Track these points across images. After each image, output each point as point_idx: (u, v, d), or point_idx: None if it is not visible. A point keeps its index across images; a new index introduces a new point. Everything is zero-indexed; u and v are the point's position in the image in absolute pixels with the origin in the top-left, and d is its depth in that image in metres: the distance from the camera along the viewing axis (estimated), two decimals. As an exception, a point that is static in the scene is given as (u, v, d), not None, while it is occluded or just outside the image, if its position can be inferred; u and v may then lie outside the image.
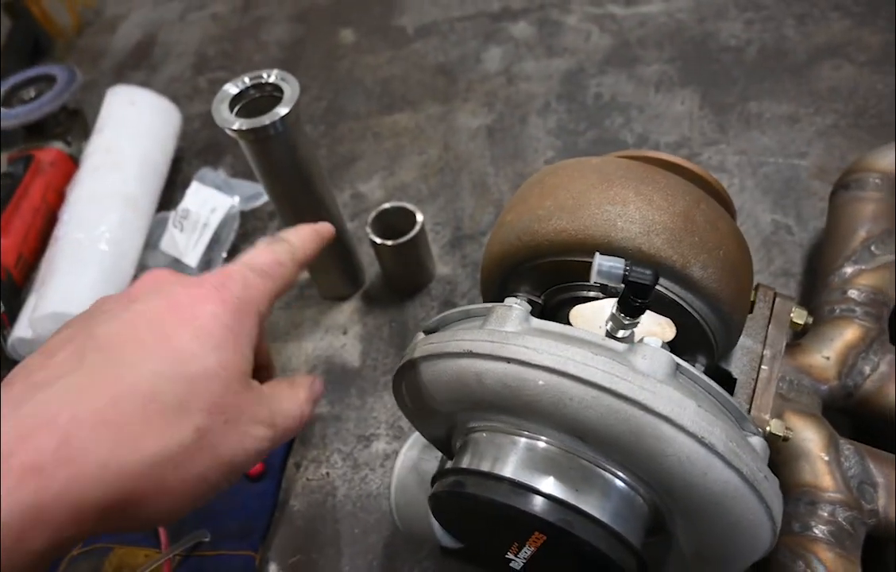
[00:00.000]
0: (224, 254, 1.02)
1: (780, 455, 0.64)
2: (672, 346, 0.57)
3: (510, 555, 0.52)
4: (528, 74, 1.17)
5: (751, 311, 0.66)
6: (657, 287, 0.53)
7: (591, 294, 0.57)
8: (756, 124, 1.02)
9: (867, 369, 0.66)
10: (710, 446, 0.42)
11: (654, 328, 0.53)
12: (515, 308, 0.48)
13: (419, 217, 0.87)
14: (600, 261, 0.46)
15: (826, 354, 0.67)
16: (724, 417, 0.46)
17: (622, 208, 0.53)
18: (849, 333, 0.68)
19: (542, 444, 0.47)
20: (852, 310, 0.70)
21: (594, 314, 0.53)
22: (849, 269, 0.73)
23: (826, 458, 0.62)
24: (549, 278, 0.58)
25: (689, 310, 0.54)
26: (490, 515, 0.49)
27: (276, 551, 0.77)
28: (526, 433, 0.48)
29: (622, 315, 0.50)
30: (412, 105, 1.18)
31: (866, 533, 0.61)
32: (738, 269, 0.55)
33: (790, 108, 1.02)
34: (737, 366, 0.63)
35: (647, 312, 0.53)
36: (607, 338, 0.47)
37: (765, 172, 0.96)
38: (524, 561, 0.52)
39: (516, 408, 0.46)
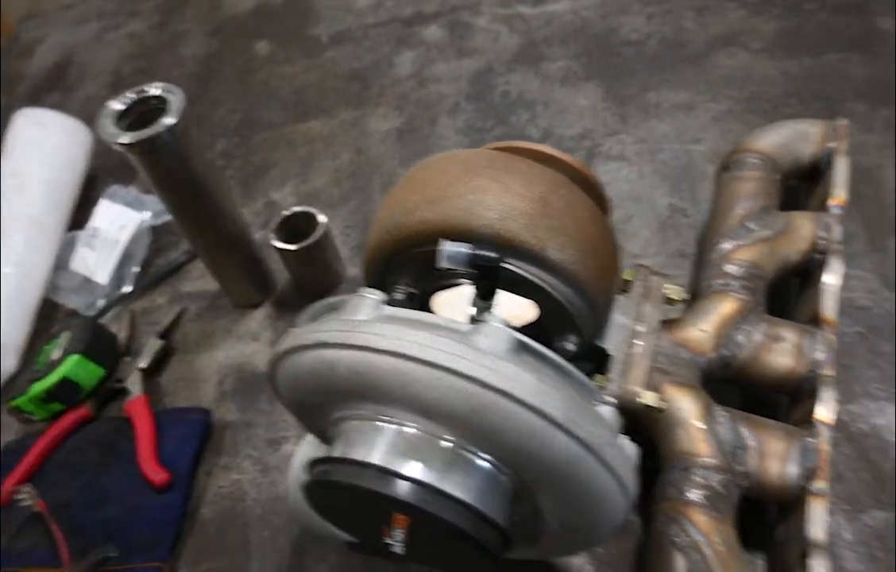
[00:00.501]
0: (136, 269, 1.02)
1: (659, 425, 0.66)
2: (540, 328, 0.60)
3: (388, 540, 0.53)
4: (438, 76, 1.19)
5: (626, 290, 0.69)
6: (517, 270, 0.55)
7: (461, 282, 0.59)
8: (655, 113, 1.05)
9: (742, 340, 0.69)
10: (548, 417, 0.43)
11: (516, 310, 0.55)
12: (368, 297, 0.50)
13: (321, 219, 0.88)
14: (444, 247, 0.48)
15: (703, 327, 0.70)
16: (570, 390, 0.48)
17: (481, 196, 0.55)
18: (725, 306, 0.71)
19: (409, 430, 0.48)
20: (729, 285, 0.73)
21: (455, 300, 0.54)
22: (727, 245, 0.76)
23: (701, 426, 0.64)
24: (422, 269, 0.60)
25: (550, 291, 0.56)
26: (358, 501, 0.50)
27: (185, 560, 0.77)
28: (393, 420, 0.49)
29: (478, 298, 0.52)
30: (326, 112, 1.19)
31: (741, 494, 0.64)
32: (599, 250, 0.57)
33: (687, 96, 1.06)
34: (611, 342, 0.65)
35: (509, 295, 0.55)
36: (454, 321, 0.48)
37: (662, 159, 0.99)
38: (401, 544, 0.53)
39: (370, 394, 0.47)
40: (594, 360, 0.65)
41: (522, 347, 0.47)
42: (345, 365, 0.47)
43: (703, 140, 1.00)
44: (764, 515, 0.69)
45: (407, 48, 1.28)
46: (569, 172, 0.66)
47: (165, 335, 0.97)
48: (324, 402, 0.52)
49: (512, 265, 0.54)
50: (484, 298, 0.51)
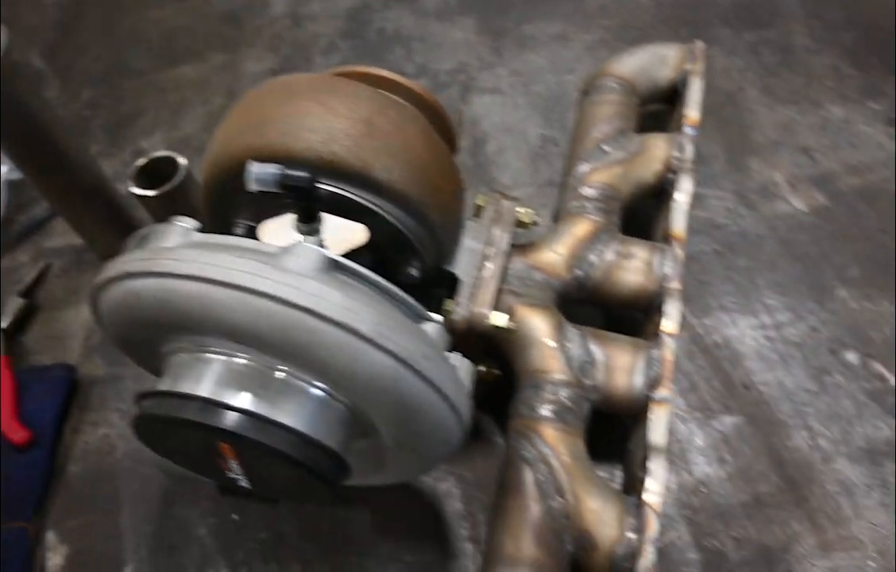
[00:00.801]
0: (-4, 225, 0.97)
1: (513, 346, 0.67)
2: (382, 254, 0.59)
3: (231, 474, 0.52)
4: (314, 15, 1.16)
5: (478, 215, 0.69)
6: (339, 192, 0.54)
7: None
8: (530, 45, 1.05)
9: (595, 260, 0.70)
10: (355, 331, 0.43)
11: (345, 233, 0.54)
12: (177, 225, 0.48)
13: (181, 162, 0.85)
14: (251, 169, 0.46)
15: (557, 250, 0.70)
16: (386, 307, 0.47)
17: (304, 119, 0.53)
18: (579, 228, 0.72)
19: (238, 361, 0.47)
20: (584, 207, 0.74)
21: (280, 227, 0.53)
22: (583, 168, 0.77)
23: (551, 344, 0.65)
24: (258, 201, 0.58)
25: (380, 212, 0.55)
26: (189, 436, 0.48)
27: (53, 519, 0.75)
28: (221, 352, 0.48)
29: (299, 222, 0.51)
30: (197, 56, 1.15)
31: (592, 408, 0.65)
32: (430, 171, 0.56)
33: (562, 27, 1.06)
34: (461, 267, 0.65)
35: (336, 218, 0.54)
36: (265, 245, 0.47)
37: (536, 90, 0.99)
38: (243, 476, 0.52)
39: (179, 323, 0.45)
40: (445, 285, 0.65)
41: (335, 267, 0.47)
42: (149, 293, 0.45)
43: (576, 70, 1.00)
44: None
45: (282, -14, 1.24)
46: (413, 98, 0.65)
47: (28, 293, 0.92)
48: (147, 337, 0.50)
49: (331, 186, 0.53)
50: (305, 222, 0.50)
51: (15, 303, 0.90)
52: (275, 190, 0.47)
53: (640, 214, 0.77)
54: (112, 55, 1.19)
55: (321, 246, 0.50)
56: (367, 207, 0.55)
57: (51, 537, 0.73)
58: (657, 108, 0.87)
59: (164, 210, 0.87)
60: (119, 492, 0.75)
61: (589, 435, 0.64)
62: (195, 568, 0.69)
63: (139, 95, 1.11)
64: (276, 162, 0.51)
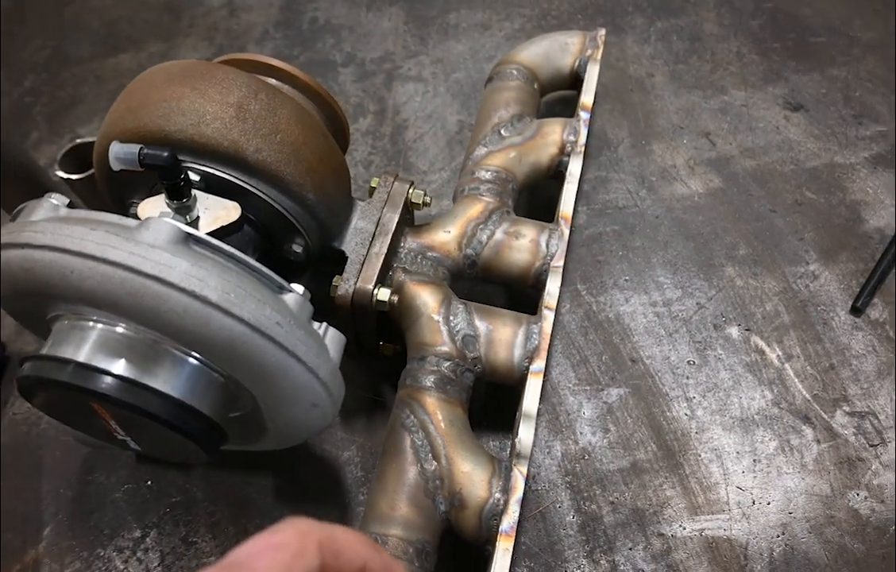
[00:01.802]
0: (-70, 212, 1.00)
1: (405, 321, 0.70)
2: (265, 233, 0.63)
3: (119, 437, 0.56)
4: (249, 5, 1.19)
5: (371, 196, 0.72)
6: (218, 174, 0.58)
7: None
8: (453, 34, 1.08)
9: (484, 238, 0.74)
10: (203, 298, 0.46)
11: (220, 211, 0.57)
12: (47, 201, 0.51)
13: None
14: (113, 148, 0.50)
15: (449, 229, 0.74)
16: (241, 278, 0.50)
17: (176, 103, 0.57)
18: (472, 209, 0.75)
19: (119, 330, 0.50)
20: (478, 189, 0.77)
21: (156, 204, 0.56)
22: (480, 152, 0.80)
23: (437, 318, 0.69)
24: (144, 182, 0.62)
25: (255, 192, 0.58)
26: (69, 399, 0.52)
27: (-23, 488, 0.79)
28: (100, 320, 0.51)
29: (168, 199, 0.54)
30: (136, 44, 1.17)
31: (475, 378, 0.69)
32: (302, 151, 0.60)
33: (484, 16, 1.09)
34: (350, 245, 0.69)
35: (207, 196, 0.57)
36: (126, 219, 0.50)
37: (456, 78, 1.02)
38: (129, 438, 0.56)
39: (43, 290, 0.49)
40: (336, 262, 0.69)
41: (191, 240, 0.50)
42: (15, 264, 0.48)
43: (495, 58, 1.03)
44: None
45: (220, -24, 1.26)
46: (298, 84, 0.68)
47: (-39, 276, 0.95)
48: (31, 306, 0.53)
49: (204, 166, 0.56)
50: (173, 199, 0.53)
51: (-51, 285, 0.93)
52: (136, 168, 0.51)
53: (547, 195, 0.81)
54: (55, 43, 1.22)
55: (191, 222, 0.54)
56: (240, 186, 0.58)
57: (-26, 506, 0.77)
58: (565, 95, 0.91)
59: (90, 194, 0.90)
60: (42, 461, 0.79)
61: (474, 403, 0.68)
62: (110, 530, 0.73)
63: (79, 83, 1.14)
64: (153, 144, 0.54)
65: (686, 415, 0.74)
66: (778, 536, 0.66)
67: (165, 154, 0.50)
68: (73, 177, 0.87)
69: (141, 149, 0.50)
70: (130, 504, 0.75)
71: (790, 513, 0.67)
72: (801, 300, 0.79)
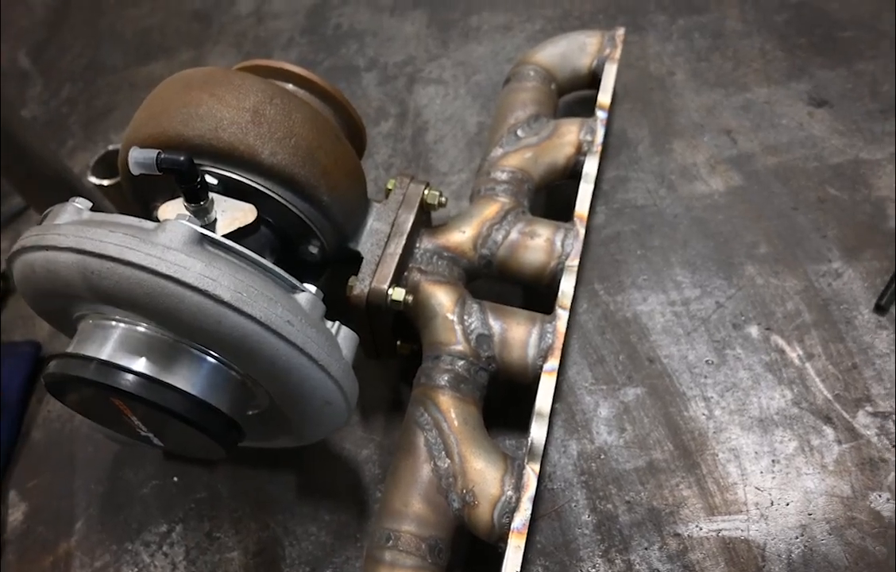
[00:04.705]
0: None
1: (420, 320, 0.72)
2: (282, 234, 0.64)
3: (143, 433, 0.58)
4: (276, 12, 1.21)
5: (387, 198, 0.73)
6: (235, 177, 0.59)
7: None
8: (475, 36, 1.09)
9: (500, 238, 0.74)
10: (216, 298, 0.48)
11: (236, 213, 0.59)
12: (71, 205, 0.53)
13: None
14: (132, 154, 0.52)
15: (464, 230, 0.75)
16: (255, 278, 0.52)
17: (195, 109, 0.58)
18: (488, 210, 0.76)
19: (140, 329, 0.53)
20: (493, 189, 0.78)
21: (176, 207, 0.58)
22: (497, 153, 0.81)
23: (451, 317, 0.70)
24: (167, 186, 0.64)
25: (271, 194, 0.60)
26: (93, 396, 0.54)
27: (15, 479, 0.82)
28: (124, 320, 0.53)
29: (186, 202, 0.56)
30: (167, 53, 1.21)
31: (490, 376, 0.69)
32: (317, 154, 0.61)
33: (506, 18, 1.10)
34: (365, 246, 0.70)
35: (225, 198, 0.59)
36: (143, 222, 0.52)
37: (477, 80, 1.03)
38: (152, 434, 0.58)
39: (66, 291, 0.51)
40: (352, 263, 0.70)
41: (207, 241, 0.51)
42: (39, 265, 0.50)
43: (516, 59, 1.04)
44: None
45: (247, -17, 1.29)
46: (313, 88, 0.70)
47: (5, 276, 1.00)
48: (57, 306, 0.56)
49: (221, 170, 0.58)
50: (191, 202, 0.55)
51: (-8, 285, 0.98)
52: (154, 172, 0.52)
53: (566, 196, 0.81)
54: (91, 53, 1.27)
55: (209, 224, 0.56)
56: (256, 189, 0.60)
57: (12, 495, 0.81)
58: (584, 95, 0.91)
59: (120, 199, 0.93)
60: (75, 457, 0.82)
61: (490, 402, 0.69)
62: (137, 525, 0.76)
63: (113, 91, 1.18)
64: (172, 149, 0.56)
65: (704, 414, 0.73)
66: (797, 537, 0.66)
67: (182, 158, 0.52)
68: (105, 182, 0.90)
69: (158, 153, 0.52)
70: (157, 499, 0.77)
71: (810, 515, 0.67)
72: (824, 298, 0.78)
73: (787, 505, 0.67)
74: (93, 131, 1.13)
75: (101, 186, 0.91)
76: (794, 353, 0.75)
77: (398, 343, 0.76)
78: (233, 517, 0.75)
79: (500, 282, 0.77)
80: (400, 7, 1.16)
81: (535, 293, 0.84)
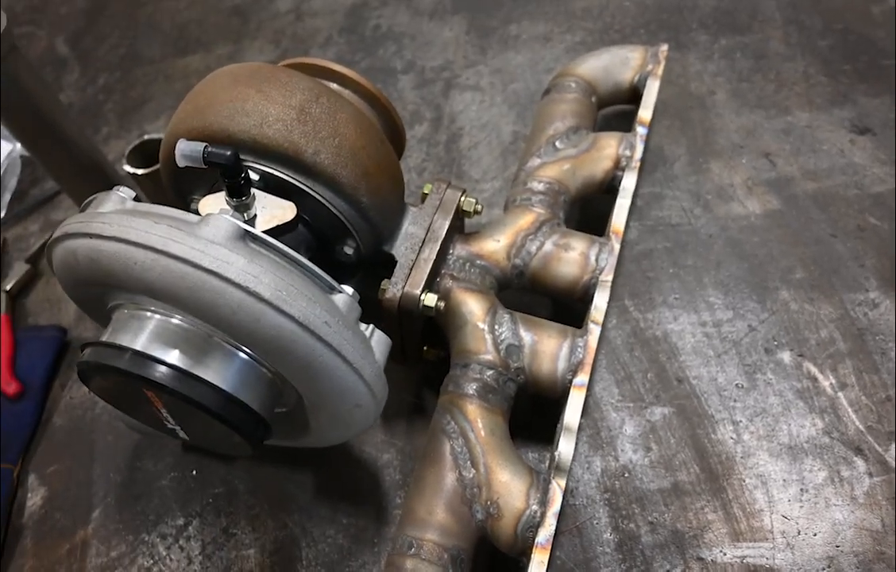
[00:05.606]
0: (8, 197, 1.06)
1: (451, 328, 0.71)
2: (319, 233, 0.64)
3: (168, 425, 0.58)
4: (315, 11, 1.22)
5: (423, 202, 0.73)
6: (277, 174, 0.60)
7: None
8: (513, 45, 1.08)
9: (534, 249, 0.74)
10: (256, 295, 0.48)
11: (276, 210, 0.59)
12: (115, 194, 0.54)
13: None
14: (179, 146, 0.52)
15: (498, 239, 0.74)
16: (294, 277, 0.52)
17: (241, 104, 0.59)
18: (523, 220, 0.75)
19: (174, 321, 0.53)
20: (529, 199, 0.77)
21: (216, 201, 0.59)
22: (534, 163, 0.80)
23: (481, 326, 0.69)
24: (207, 179, 0.64)
25: (312, 193, 0.60)
26: (125, 386, 0.54)
27: (36, 463, 0.82)
28: (158, 311, 0.53)
29: (228, 197, 0.56)
30: (204, 46, 1.22)
31: (518, 388, 0.69)
32: (360, 155, 0.61)
33: (546, 28, 1.09)
34: (400, 249, 0.70)
35: (265, 195, 0.59)
36: (187, 214, 0.52)
37: (514, 88, 1.03)
38: (178, 426, 0.58)
39: (107, 279, 0.51)
40: (386, 266, 0.70)
41: (248, 237, 0.52)
42: (82, 252, 0.51)
43: (554, 69, 1.03)
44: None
45: (288, -20, 1.30)
46: (358, 89, 0.70)
47: (33, 260, 1.01)
48: (94, 293, 0.56)
49: (264, 166, 0.58)
50: (233, 197, 0.55)
51: (21, 269, 0.99)
52: (200, 165, 0.53)
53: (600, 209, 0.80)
54: (128, 43, 1.28)
55: (249, 220, 0.56)
56: (297, 187, 0.60)
57: (32, 479, 0.81)
58: (622, 109, 0.91)
59: (153, 188, 0.94)
60: (95, 445, 0.83)
61: (515, 413, 0.69)
62: (155, 516, 0.76)
63: (149, 82, 1.19)
64: (216, 143, 0.56)
65: (732, 438, 0.72)
66: (823, 569, 0.65)
67: (228, 153, 0.52)
68: (139, 171, 0.91)
69: (205, 147, 0.52)
70: (175, 492, 0.78)
71: (837, 547, 0.65)
72: (859, 328, 0.77)
73: (815, 535, 0.66)
74: (127, 120, 1.14)
75: (134, 175, 0.92)
76: (826, 382, 0.74)
77: (425, 348, 0.76)
78: (250, 514, 0.75)
79: (529, 293, 0.77)
80: (439, 12, 1.16)
81: (562, 306, 0.83)
